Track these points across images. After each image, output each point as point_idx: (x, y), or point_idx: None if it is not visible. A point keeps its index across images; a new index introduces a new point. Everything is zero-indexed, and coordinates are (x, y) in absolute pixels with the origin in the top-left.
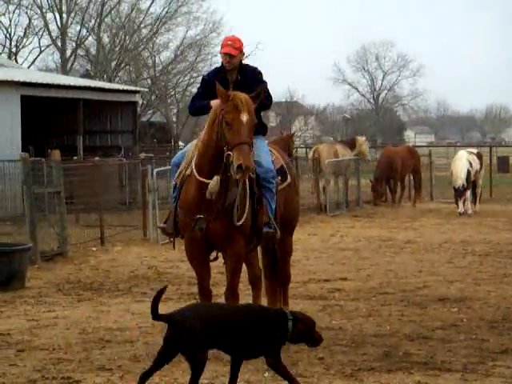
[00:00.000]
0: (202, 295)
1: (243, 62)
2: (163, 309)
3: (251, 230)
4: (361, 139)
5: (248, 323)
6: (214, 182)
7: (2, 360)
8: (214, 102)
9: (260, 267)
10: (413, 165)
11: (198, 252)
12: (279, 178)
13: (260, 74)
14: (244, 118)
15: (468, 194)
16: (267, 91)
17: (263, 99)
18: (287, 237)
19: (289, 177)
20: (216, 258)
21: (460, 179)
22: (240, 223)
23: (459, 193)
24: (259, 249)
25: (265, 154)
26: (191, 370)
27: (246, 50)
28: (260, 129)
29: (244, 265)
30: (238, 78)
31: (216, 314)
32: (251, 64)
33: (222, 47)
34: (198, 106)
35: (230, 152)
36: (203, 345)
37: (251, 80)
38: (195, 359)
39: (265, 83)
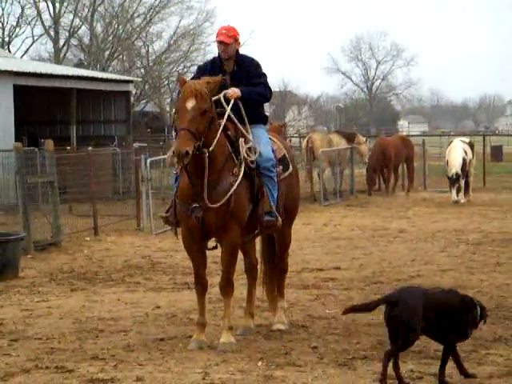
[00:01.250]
0: (198, 284)
1: (240, 52)
2: (156, 298)
3: (252, 218)
4: (362, 139)
5: (453, 308)
6: (168, 154)
7: None
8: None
9: (256, 257)
10: (406, 154)
11: (194, 240)
12: (281, 167)
13: (258, 65)
14: (189, 104)
15: (462, 183)
16: (267, 84)
17: (260, 91)
18: (287, 227)
19: (291, 167)
20: (215, 247)
21: (454, 168)
22: (215, 205)
23: (453, 181)
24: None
25: (264, 143)
26: (397, 348)
27: (240, 39)
28: (260, 118)
29: (240, 253)
30: (234, 68)
31: (431, 298)
32: (248, 55)
33: (216, 36)
34: None
35: None
36: (419, 327)
37: (248, 71)
38: (408, 340)
39: (264, 76)
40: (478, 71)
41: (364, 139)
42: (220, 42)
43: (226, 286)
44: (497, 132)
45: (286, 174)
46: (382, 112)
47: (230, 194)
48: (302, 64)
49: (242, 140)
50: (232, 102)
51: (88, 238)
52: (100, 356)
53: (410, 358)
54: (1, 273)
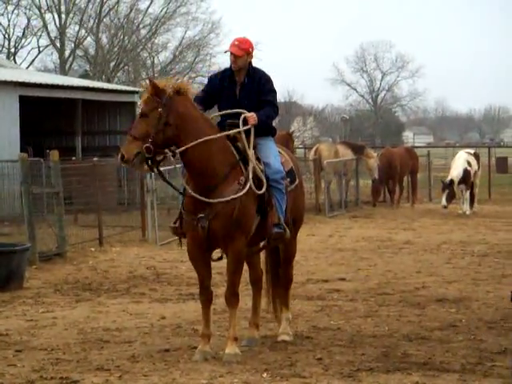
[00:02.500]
0: (203, 295)
1: (253, 65)
2: (161, 309)
3: (260, 230)
4: (371, 153)
5: None
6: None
7: (1, 360)
8: None
9: (261, 268)
10: (411, 165)
11: (199, 251)
12: (288, 179)
13: (269, 80)
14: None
15: (467, 194)
16: (275, 102)
17: (270, 113)
18: (292, 238)
19: (297, 179)
20: (220, 258)
21: (451, 175)
22: (213, 200)
23: (445, 186)
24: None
25: (273, 155)
26: None
27: (253, 52)
28: (270, 131)
29: (245, 264)
30: (245, 80)
31: None
32: (261, 68)
33: (229, 47)
34: None
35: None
36: None
37: (259, 85)
38: None
39: (274, 93)
40: (483, 83)
41: (375, 154)
42: (230, 53)
43: (232, 297)
44: (502, 144)
45: (293, 186)
46: (387, 123)
47: (233, 196)
48: (307, 75)
49: (252, 152)
50: (250, 126)
51: (93, 249)
52: (105, 367)
53: (414, 369)
54: (6, 283)
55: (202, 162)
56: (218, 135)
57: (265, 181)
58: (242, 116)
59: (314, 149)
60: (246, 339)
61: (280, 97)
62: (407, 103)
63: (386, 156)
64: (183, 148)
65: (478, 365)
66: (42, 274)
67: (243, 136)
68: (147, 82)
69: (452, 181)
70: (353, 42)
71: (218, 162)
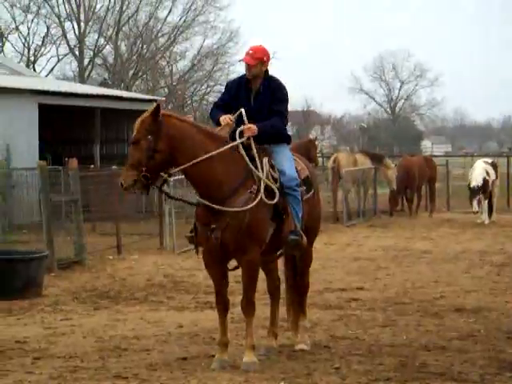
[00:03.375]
0: (219, 303)
1: (270, 73)
2: (179, 317)
3: (276, 238)
4: (390, 164)
5: None
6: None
7: (19, 368)
8: (222, 119)
9: (279, 277)
10: (429, 175)
11: (214, 261)
12: (304, 188)
13: (282, 90)
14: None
15: (485, 204)
16: (284, 112)
17: (277, 123)
18: (308, 247)
19: (313, 187)
20: (237, 267)
21: (475, 181)
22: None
23: (475, 192)
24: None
25: (288, 162)
26: None
27: (268, 60)
28: (284, 138)
29: (263, 273)
30: (260, 88)
31: None
32: (277, 77)
33: (243, 55)
34: (213, 117)
35: None
36: None
37: (272, 95)
38: None
39: (285, 103)
40: (502, 92)
41: (393, 165)
42: (245, 63)
43: (248, 306)
44: None
45: (309, 194)
46: (405, 132)
47: (243, 208)
48: (325, 83)
49: (266, 159)
50: (244, 138)
51: (111, 257)
52: (123, 375)
53: (433, 379)
54: (24, 291)
55: (204, 179)
56: (206, 156)
57: (276, 190)
58: (238, 130)
59: (332, 157)
60: (264, 348)
61: (298, 105)
62: (425, 112)
63: (404, 165)
64: (175, 170)
65: (496, 375)
66: (61, 282)
67: (253, 145)
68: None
69: (479, 186)
70: (371, 50)
71: (224, 175)
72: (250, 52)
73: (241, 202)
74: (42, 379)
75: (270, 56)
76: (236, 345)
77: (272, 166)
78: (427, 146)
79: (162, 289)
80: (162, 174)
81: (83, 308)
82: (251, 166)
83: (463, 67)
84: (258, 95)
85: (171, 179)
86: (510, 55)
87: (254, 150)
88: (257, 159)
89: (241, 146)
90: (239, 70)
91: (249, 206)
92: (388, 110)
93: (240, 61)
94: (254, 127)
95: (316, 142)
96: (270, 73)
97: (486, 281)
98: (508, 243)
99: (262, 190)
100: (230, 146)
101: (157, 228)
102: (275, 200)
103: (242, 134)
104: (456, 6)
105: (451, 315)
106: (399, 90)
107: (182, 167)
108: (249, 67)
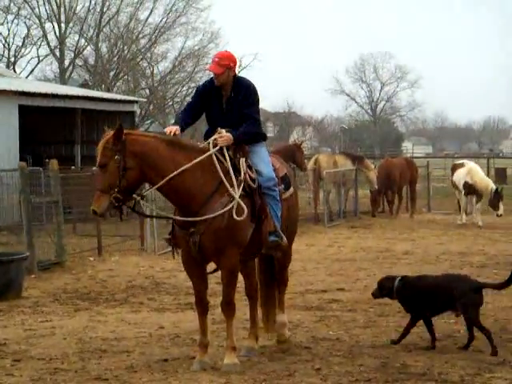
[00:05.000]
0: (199, 305)
1: (239, 75)
2: (159, 319)
3: (255, 238)
4: (370, 165)
5: None
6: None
7: None
8: (168, 130)
9: (257, 278)
10: (410, 176)
11: (193, 264)
12: (282, 186)
13: (252, 93)
14: (96, 165)
15: (478, 205)
16: (256, 116)
17: (249, 128)
18: (287, 247)
19: (292, 186)
20: (216, 270)
21: (490, 183)
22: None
23: (496, 194)
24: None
25: (264, 161)
26: None
27: (243, 61)
28: (259, 136)
29: (241, 275)
30: (231, 94)
31: None
32: (246, 79)
33: (210, 64)
34: (176, 121)
35: None
36: None
37: (243, 99)
38: None
39: (255, 105)
40: (482, 94)
41: (373, 166)
42: (212, 71)
43: (227, 308)
44: (501, 155)
45: (288, 194)
46: (386, 133)
47: (218, 213)
48: (307, 85)
49: (243, 160)
50: (218, 147)
51: (92, 258)
52: (103, 377)
53: (413, 380)
54: (4, 292)
55: (179, 192)
56: (178, 171)
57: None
58: (211, 139)
59: (313, 159)
60: (245, 349)
61: (279, 107)
62: (406, 114)
63: (386, 166)
64: (148, 190)
65: (476, 376)
66: (41, 284)
67: (226, 152)
68: (106, 133)
69: (500, 188)
70: (352, 52)
71: (198, 185)
72: (216, 60)
73: (219, 205)
74: (22, 381)
75: (237, 61)
76: (217, 346)
77: (249, 167)
78: (408, 147)
79: (143, 290)
80: (134, 195)
81: (63, 310)
82: (224, 180)
83: (443, 69)
84: (229, 101)
85: (143, 201)
86: (491, 57)
87: (228, 154)
88: (241, 161)
89: (214, 157)
90: None
91: (228, 208)
92: (369, 111)
93: (206, 69)
94: (228, 136)
95: (302, 146)
96: (252, 75)
97: None
98: (488, 244)
99: (239, 192)
100: (200, 159)
101: (138, 229)
102: (244, 216)
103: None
104: (437, 7)
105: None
106: (380, 91)
107: (155, 187)
108: (216, 76)
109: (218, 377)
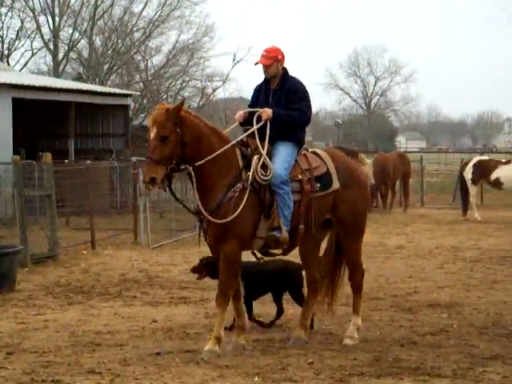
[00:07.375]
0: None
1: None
2: (153, 312)
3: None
4: (364, 159)
5: None
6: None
7: None
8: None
9: (320, 270)
10: (403, 171)
11: (213, 251)
12: (318, 185)
13: (301, 89)
14: (150, 134)
15: (474, 200)
16: (304, 109)
17: (295, 116)
18: (352, 243)
19: (336, 183)
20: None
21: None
22: (222, 221)
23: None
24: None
25: (279, 160)
26: None
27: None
28: (292, 138)
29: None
30: (277, 87)
31: None
32: (296, 77)
33: (259, 58)
34: None
35: None
36: None
37: (288, 92)
38: None
39: (304, 101)
40: (476, 89)
41: (368, 160)
42: (261, 63)
43: (220, 297)
44: (494, 149)
45: (330, 190)
46: (379, 128)
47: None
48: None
49: (256, 157)
50: (263, 121)
51: (85, 252)
52: (96, 370)
53: (406, 374)
54: None
55: (208, 178)
56: (219, 151)
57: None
58: (256, 114)
59: None
60: (293, 339)
61: None
62: (400, 108)
63: (379, 161)
64: (201, 162)
65: (469, 370)
66: (34, 277)
67: (257, 140)
68: (159, 106)
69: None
70: (346, 46)
71: (221, 175)
72: (264, 53)
73: (226, 196)
74: (14, 374)
75: (285, 55)
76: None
77: (263, 165)
78: (402, 142)
79: (136, 284)
80: (182, 166)
81: (57, 303)
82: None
83: (438, 64)
84: (275, 94)
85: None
86: (485, 52)
87: (246, 152)
88: (260, 149)
89: (257, 138)
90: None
91: (229, 219)
92: (363, 105)
93: (256, 64)
94: (269, 111)
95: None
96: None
97: (459, 276)
98: (481, 239)
99: (247, 187)
100: (234, 142)
101: (131, 223)
102: (232, 216)
103: (259, 118)
104: (431, 2)
105: (424, 310)
106: (374, 86)
107: (203, 161)
108: (265, 68)
109: (211, 370)
